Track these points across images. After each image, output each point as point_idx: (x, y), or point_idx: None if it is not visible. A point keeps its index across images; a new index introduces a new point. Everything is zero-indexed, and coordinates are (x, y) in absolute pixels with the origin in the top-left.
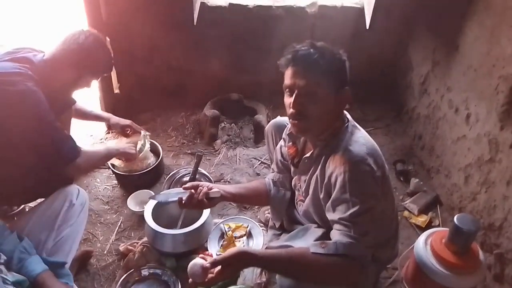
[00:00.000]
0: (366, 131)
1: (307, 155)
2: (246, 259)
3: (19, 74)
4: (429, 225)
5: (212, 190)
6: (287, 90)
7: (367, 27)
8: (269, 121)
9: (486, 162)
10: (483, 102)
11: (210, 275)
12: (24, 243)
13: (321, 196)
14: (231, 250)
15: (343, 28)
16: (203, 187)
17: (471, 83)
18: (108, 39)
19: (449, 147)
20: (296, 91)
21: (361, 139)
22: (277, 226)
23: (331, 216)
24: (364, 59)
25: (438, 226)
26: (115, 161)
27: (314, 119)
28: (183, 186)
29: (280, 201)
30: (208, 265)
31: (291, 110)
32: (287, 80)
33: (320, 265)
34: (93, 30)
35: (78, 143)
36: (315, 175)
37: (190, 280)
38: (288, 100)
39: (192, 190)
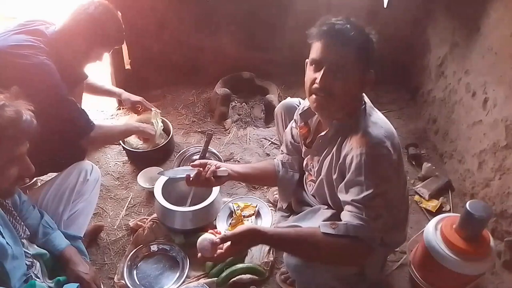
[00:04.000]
0: None
1: (322, 134)
2: (255, 236)
3: (31, 47)
4: (439, 210)
5: (219, 169)
6: (313, 63)
7: (385, 6)
8: (280, 101)
9: (502, 148)
10: (502, 87)
11: (219, 251)
12: (46, 218)
13: (334, 176)
14: (241, 227)
15: (360, 6)
16: (211, 166)
17: (490, 66)
18: (119, 13)
19: (464, 132)
20: (325, 66)
21: (379, 121)
22: (284, 207)
23: (343, 197)
24: (380, 39)
25: (449, 211)
26: (132, 139)
27: (338, 97)
28: (191, 163)
29: (288, 182)
30: (217, 240)
31: (316, 85)
32: (317, 53)
33: (329, 245)
34: (103, 0)
35: (92, 118)
36: (329, 156)
37: (199, 255)
38: (313, 75)
39: (200, 168)
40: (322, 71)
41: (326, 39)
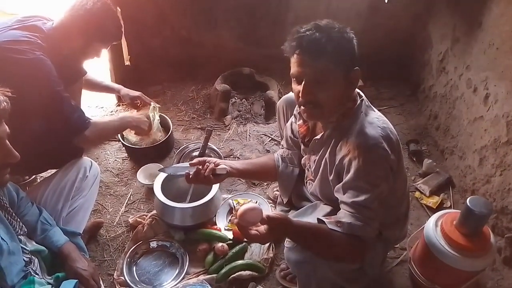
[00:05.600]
0: (380, 110)
1: (318, 137)
2: (287, 226)
3: (28, 43)
4: (440, 207)
5: (218, 167)
6: (294, 77)
7: (386, 1)
8: (280, 97)
9: (503, 144)
10: (503, 82)
11: (254, 231)
12: (44, 214)
13: (331, 177)
14: (274, 214)
15: (361, 1)
16: (210, 163)
17: (491, 62)
18: (119, 9)
19: (465, 128)
20: (304, 80)
21: (376, 120)
22: (285, 202)
23: (341, 197)
24: (380, 34)
25: (450, 208)
26: (131, 135)
27: (325, 105)
28: (190, 162)
29: (288, 177)
30: (266, 217)
31: (300, 99)
32: (294, 68)
33: (337, 241)
34: None
35: (89, 115)
36: (325, 157)
37: (237, 218)
38: (296, 87)
39: (199, 166)
40: (302, 85)
41: (297, 53)
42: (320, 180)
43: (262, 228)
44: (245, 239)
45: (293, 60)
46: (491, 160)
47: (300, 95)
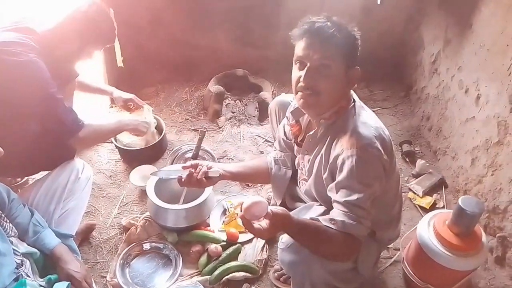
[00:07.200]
0: (373, 111)
1: (311, 133)
2: (286, 222)
3: (21, 44)
4: (433, 207)
5: (211, 170)
6: (297, 62)
7: (378, 2)
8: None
9: (494, 144)
10: (494, 83)
11: (257, 225)
12: (36, 216)
13: (324, 176)
14: (276, 209)
15: (353, 3)
16: (202, 166)
17: (483, 63)
18: (112, 10)
19: (457, 129)
20: (308, 64)
21: (369, 120)
22: (278, 204)
23: (334, 196)
24: (373, 36)
25: (443, 208)
26: (124, 136)
27: (323, 94)
28: (183, 165)
29: (281, 179)
30: (270, 212)
31: (301, 83)
32: (300, 51)
33: (332, 238)
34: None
35: (82, 117)
36: (319, 155)
37: (243, 211)
38: (298, 73)
39: (192, 169)
40: (305, 69)
41: (307, 37)
42: (314, 179)
43: (264, 223)
44: (247, 231)
45: (301, 44)
46: (482, 161)
47: (301, 79)
